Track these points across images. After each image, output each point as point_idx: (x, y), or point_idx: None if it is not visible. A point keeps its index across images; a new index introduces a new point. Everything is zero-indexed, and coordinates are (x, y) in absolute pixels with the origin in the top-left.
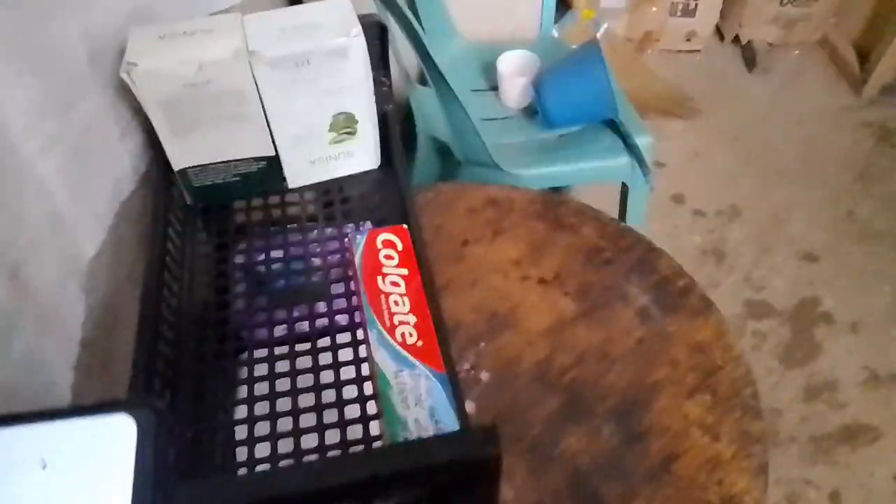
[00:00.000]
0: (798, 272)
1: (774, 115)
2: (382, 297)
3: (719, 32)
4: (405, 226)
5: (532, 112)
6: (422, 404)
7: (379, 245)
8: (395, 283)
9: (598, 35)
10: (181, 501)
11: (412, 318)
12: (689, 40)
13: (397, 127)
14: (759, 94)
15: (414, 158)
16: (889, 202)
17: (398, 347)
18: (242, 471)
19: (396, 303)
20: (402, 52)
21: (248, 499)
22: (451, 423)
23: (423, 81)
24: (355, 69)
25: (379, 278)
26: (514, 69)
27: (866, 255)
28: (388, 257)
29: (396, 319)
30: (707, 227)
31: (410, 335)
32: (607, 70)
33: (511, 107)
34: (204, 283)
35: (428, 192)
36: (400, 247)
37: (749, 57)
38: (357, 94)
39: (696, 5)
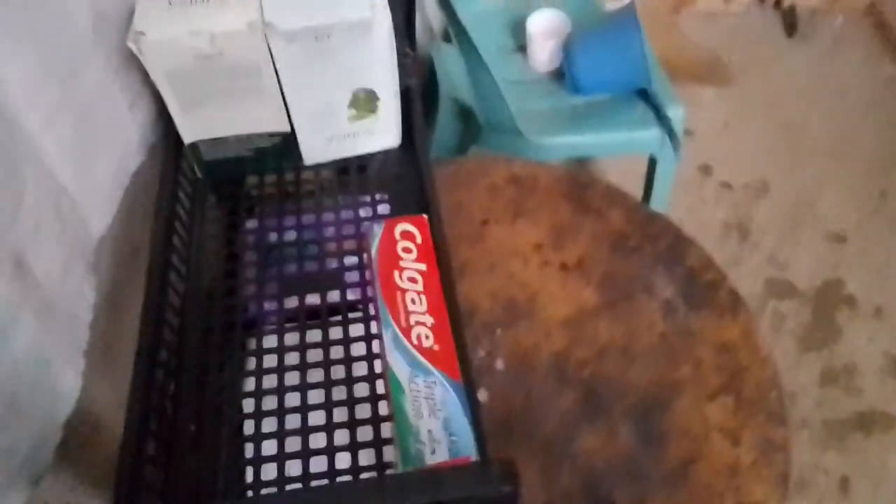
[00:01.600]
0: (824, 252)
1: (812, 86)
2: (399, 293)
3: None
4: (425, 216)
5: (560, 76)
6: (436, 415)
7: (397, 236)
8: (412, 280)
9: None
10: None
11: (429, 319)
12: (727, 3)
13: (420, 103)
14: (798, 62)
15: (435, 119)
16: None
17: (413, 351)
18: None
19: (413, 301)
20: (426, 5)
21: None
22: (466, 437)
23: (447, 38)
24: (379, 45)
25: (396, 273)
26: (545, 30)
27: None
28: (407, 250)
29: (413, 319)
30: (733, 202)
31: (427, 338)
32: (643, 38)
33: (539, 69)
34: (213, 259)
35: (449, 165)
36: (419, 239)
37: (790, 22)
38: (380, 70)
39: None
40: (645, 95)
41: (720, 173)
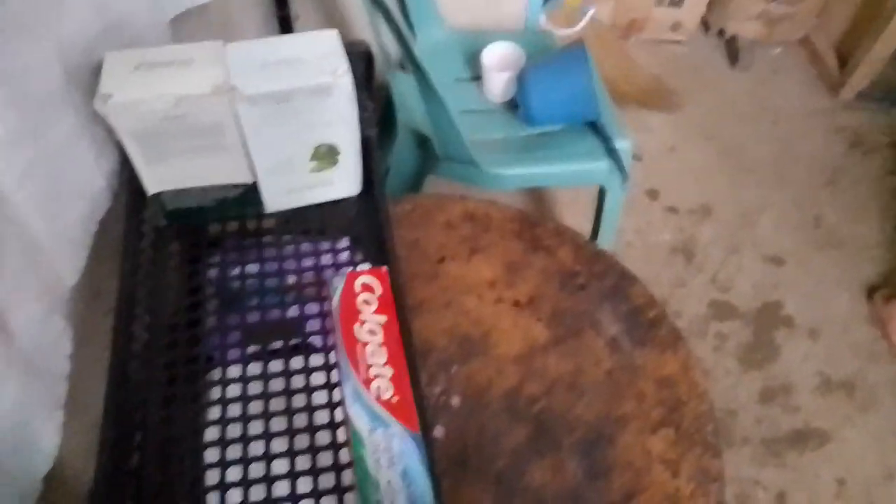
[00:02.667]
0: (763, 275)
1: (751, 113)
2: (359, 346)
3: (704, 24)
4: (384, 268)
5: (514, 107)
6: (394, 466)
7: (357, 289)
8: (372, 332)
9: (584, 21)
10: None
11: (388, 371)
12: (674, 31)
13: (379, 152)
14: (739, 90)
15: (392, 147)
16: (854, 210)
17: (373, 403)
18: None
19: (373, 353)
20: (383, 32)
21: None
22: (423, 487)
23: (404, 66)
24: (340, 105)
25: (356, 325)
26: (499, 62)
27: (829, 262)
28: (367, 302)
29: (372, 372)
30: (679, 225)
31: (386, 390)
32: (592, 72)
33: (493, 100)
34: (175, 308)
35: (406, 203)
36: (379, 291)
37: (732, 52)
38: (341, 126)
39: None
40: (595, 127)
41: (666, 198)
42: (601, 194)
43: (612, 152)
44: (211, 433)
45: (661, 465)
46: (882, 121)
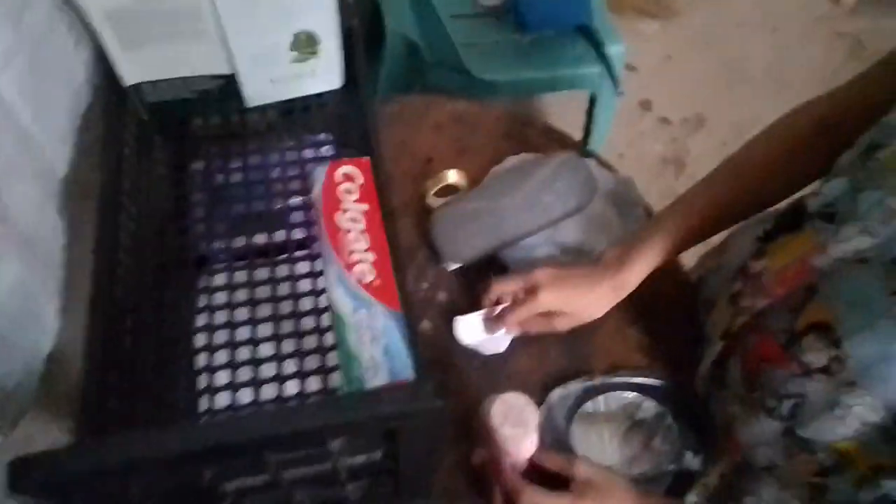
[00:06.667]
0: None
1: (751, 20)
2: (341, 233)
3: None
4: (367, 158)
5: (506, 11)
6: (377, 342)
7: (339, 178)
8: (354, 219)
9: None
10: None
11: (370, 256)
12: None
13: (362, 43)
14: None
15: (382, 56)
16: None
17: (356, 286)
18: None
19: (355, 240)
20: None
21: (208, 445)
22: (404, 362)
23: None
24: None
25: (338, 214)
26: None
27: None
28: (349, 191)
29: (355, 257)
30: (671, 136)
31: (368, 273)
32: None
33: (485, 4)
34: (161, 200)
35: (394, 104)
36: (361, 181)
37: None
38: (321, 12)
39: None
40: (587, 33)
41: (659, 108)
42: (592, 102)
43: (604, 58)
44: (201, 319)
45: (638, 354)
46: (885, 25)
